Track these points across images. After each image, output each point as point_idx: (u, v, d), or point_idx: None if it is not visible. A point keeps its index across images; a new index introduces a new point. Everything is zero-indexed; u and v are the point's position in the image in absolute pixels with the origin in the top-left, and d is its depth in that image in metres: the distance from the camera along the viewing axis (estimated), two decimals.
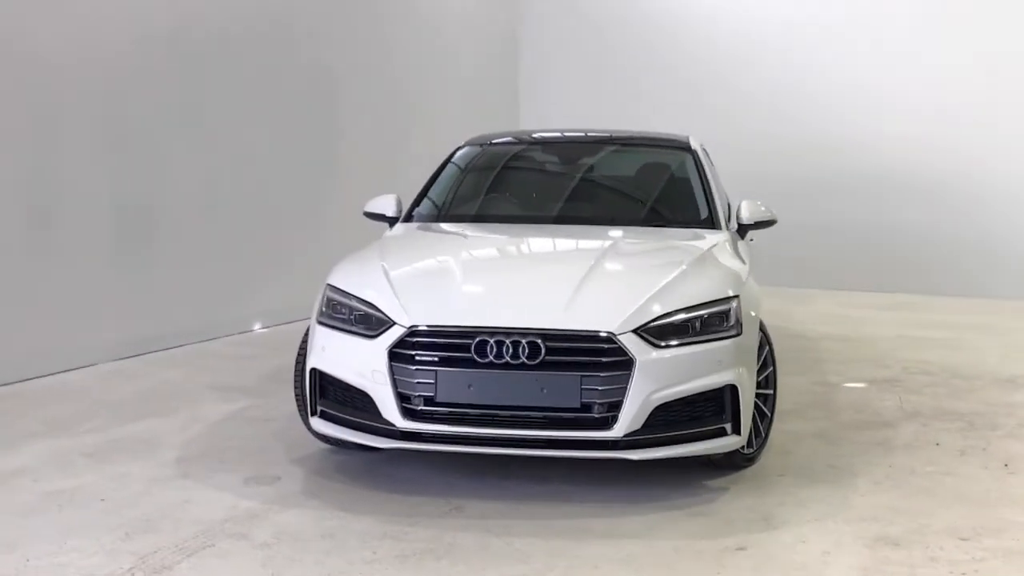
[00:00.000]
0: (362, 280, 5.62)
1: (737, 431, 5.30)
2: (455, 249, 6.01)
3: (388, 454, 5.71)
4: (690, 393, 5.17)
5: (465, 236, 6.22)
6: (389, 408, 5.18)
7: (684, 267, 5.60)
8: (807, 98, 12.75)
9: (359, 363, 5.29)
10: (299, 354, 5.86)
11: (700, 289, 5.43)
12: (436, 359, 5.15)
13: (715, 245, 6.12)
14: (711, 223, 6.61)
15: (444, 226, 6.73)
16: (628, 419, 5.05)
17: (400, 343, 5.18)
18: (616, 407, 5.05)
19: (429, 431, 5.16)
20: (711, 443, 5.25)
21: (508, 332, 5.10)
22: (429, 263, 5.88)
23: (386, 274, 5.57)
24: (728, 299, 5.41)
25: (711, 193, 6.78)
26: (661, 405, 5.10)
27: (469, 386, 5.11)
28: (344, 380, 5.35)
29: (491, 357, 5.07)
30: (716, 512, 5.14)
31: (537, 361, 5.05)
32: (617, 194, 7.17)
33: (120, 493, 5.35)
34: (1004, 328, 10.25)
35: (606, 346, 5.08)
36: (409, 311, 5.24)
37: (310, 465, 5.77)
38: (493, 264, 5.91)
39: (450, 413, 5.14)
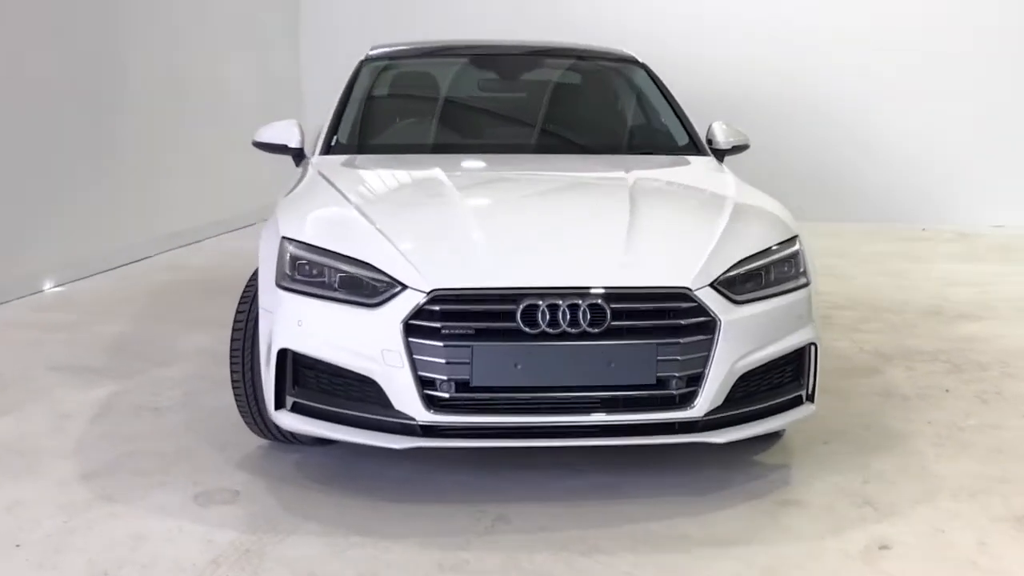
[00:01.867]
0: (337, 231, 4.37)
1: (811, 398, 4.43)
2: (445, 189, 4.80)
3: (350, 448, 4.47)
4: (774, 357, 4.25)
5: (444, 172, 5.02)
6: (406, 397, 3.99)
7: (731, 205, 4.64)
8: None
9: (358, 341, 4.06)
10: (237, 325, 4.53)
11: (762, 231, 4.50)
12: (471, 332, 3.99)
13: (726, 176, 5.19)
14: (694, 148, 5.67)
15: (395, 160, 5.48)
16: (711, 394, 4.08)
17: (419, 313, 3.98)
18: (696, 380, 4.07)
19: (463, 424, 4.01)
20: (789, 415, 4.36)
21: (563, 293, 4.00)
22: (424, 208, 4.66)
23: (371, 222, 4.33)
24: (792, 240, 4.51)
25: (683, 114, 5.83)
26: (743, 375, 4.15)
27: (516, 365, 3.99)
28: (335, 363, 4.11)
29: (544, 326, 3.97)
30: (805, 499, 4.28)
31: (601, 328, 3.99)
32: (582, 117, 6.09)
33: (34, 534, 3.93)
34: (866, 254, 9.86)
35: (684, 305, 4.07)
36: (424, 271, 4.05)
37: (265, 471, 4.49)
38: (510, 208, 4.74)
39: (491, 400, 4.01)
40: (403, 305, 4.01)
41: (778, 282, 4.33)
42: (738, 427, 4.21)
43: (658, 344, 4.03)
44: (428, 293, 4.00)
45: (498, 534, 3.95)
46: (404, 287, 4.03)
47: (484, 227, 4.34)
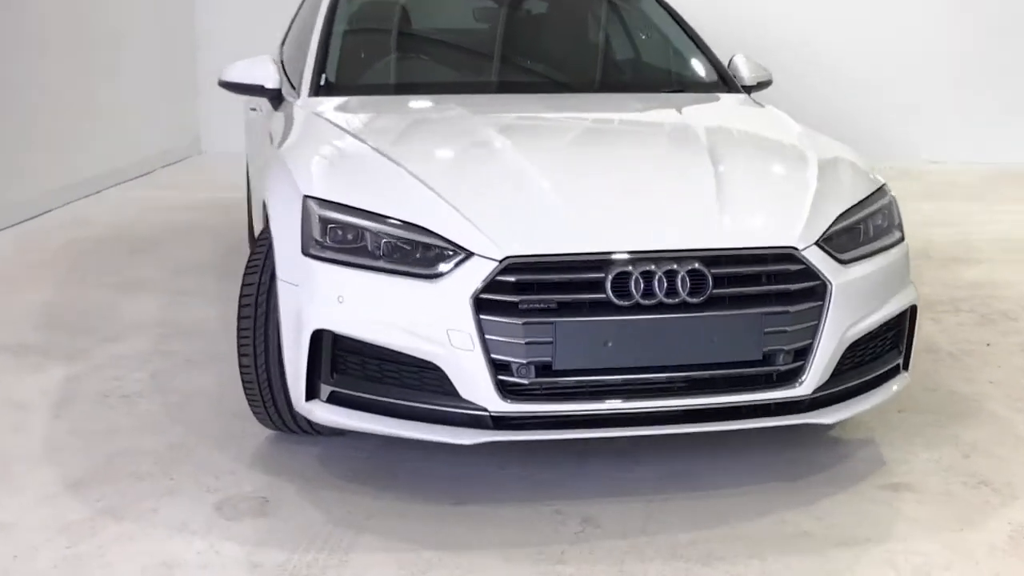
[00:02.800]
0: (375, 188, 3.70)
1: (906, 366, 3.95)
2: (489, 137, 4.13)
3: (377, 440, 3.82)
4: (881, 323, 3.75)
5: (479, 116, 4.35)
6: (476, 384, 3.39)
7: (812, 152, 4.10)
8: None
9: (418, 320, 3.43)
10: (245, 300, 3.84)
11: (852, 181, 4.00)
12: (553, 306, 3.38)
13: (782, 117, 4.66)
14: (724, 84, 5.10)
15: (407, 102, 4.80)
16: (819, 369, 3.57)
17: (490, 286, 3.35)
18: (803, 354, 3.55)
19: (542, 414, 3.42)
20: (889, 386, 3.87)
21: (656, 257, 3.43)
22: (474, 160, 4.01)
23: (417, 177, 3.67)
24: (882, 190, 4.00)
25: (704, 45, 5.25)
26: (850, 344, 3.65)
27: (606, 343, 3.40)
28: (389, 347, 3.45)
29: (638, 297, 3.38)
30: (913, 481, 3.82)
31: (702, 298, 3.42)
32: (593, 52, 5.45)
33: (33, 567, 3.22)
34: None
35: (792, 267, 3.53)
36: (495, 235, 3.42)
37: (286, 470, 3.83)
38: (576, 159, 4.09)
39: (577, 385, 3.42)
40: (471, 276, 3.38)
41: (877, 238, 3.83)
42: (844, 405, 3.70)
43: (764, 314, 3.48)
44: (501, 261, 3.38)
45: (592, 540, 3.38)
46: (469, 255, 3.41)
47: (554, 182, 3.72)
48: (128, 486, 3.71)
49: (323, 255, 3.55)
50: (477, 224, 3.46)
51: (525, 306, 3.38)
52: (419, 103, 4.78)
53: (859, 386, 3.75)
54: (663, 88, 5.11)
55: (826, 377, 3.58)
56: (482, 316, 3.36)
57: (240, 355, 3.84)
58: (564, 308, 3.41)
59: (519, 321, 3.36)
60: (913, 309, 3.87)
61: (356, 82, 4.97)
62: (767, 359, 3.52)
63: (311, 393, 3.60)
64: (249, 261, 3.91)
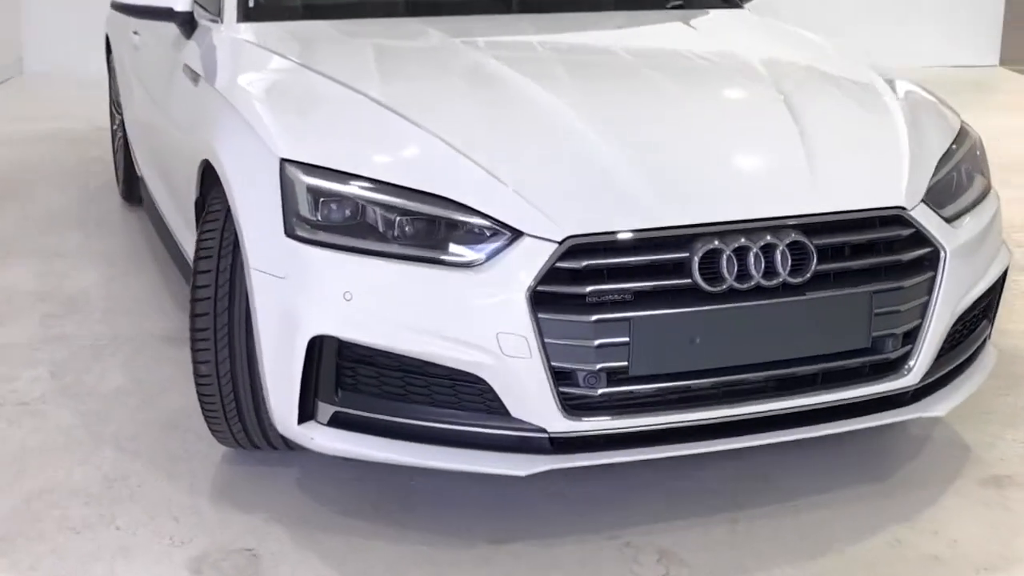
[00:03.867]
0: (382, 147, 2.88)
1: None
2: (505, 78, 3.30)
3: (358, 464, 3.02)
4: (983, 291, 3.14)
5: (477, 50, 3.52)
6: (532, 399, 2.66)
7: (886, 89, 3.42)
8: None
9: (457, 321, 2.67)
10: (201, 292, 3.00)
11: (935, 123, 3.35)
12: (628, 297, 2.65)
13: (814, 39, 3.97)
14: None
15: (371, 27, 3.93)
16: (928, 353, 2.96)
17: (550, 275, 2.59)
18: (912, 336, 2.91)
19: (616, 431, 2.71)
20: (983, 363, 3.28)
21: (751, 229, 2.73)
22: (496, 108, 3.16)
23: (434, 133, 2.86)
24: (966, 131, 3.36)
25: None
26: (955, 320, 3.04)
27: (694, 339, 2.69)
28: (416, 355, 2.67)
29: (731, 280, 2.68)
30: (1022, 475, 3.23)
31: (805, 277, 2.74)
32: None
33: None
34: None
35: (903, 232, 2.89)
36: (550, 208, 2.67)
37: (264, 505, 3.03)
38: (628, 106, 3.25)
39: (659, 393, 2.71)
40: (525, 264, 2.63)
41: (969, 189, 3.20)
42: (948, 390, 3.09)
43: (874, 292, 2.82)
44: (561, 243, 2.61)
45: None
46: (518, 235, 2.64)
47: (609, 136, 2.94)
48: (63, 544, 2.86)
49: (317, 238, 2.73)
50: (526, 195, 2.69)
51: (594, 299, 2.64)
52: (383, 29, 3.91)
53: (959, 367, 3.14)
54: (654, 4, 4.35)
55: (931, 362, 2.95)
56: (540, 315, 2.60)
57: (196, 362, 3.01)
58: (641, 299, 2.68)
59: (589, 318, 2.62)
60: (1004, 275, 3.26)
61: (290, 2, 4.06)
62: (876, 346, 2.86)
63: (306, 414, 2.79)
64: (200, 240, 3.05)
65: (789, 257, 2.73)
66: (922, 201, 2.94)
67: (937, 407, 3.02)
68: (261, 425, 3.01)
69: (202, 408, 3.07)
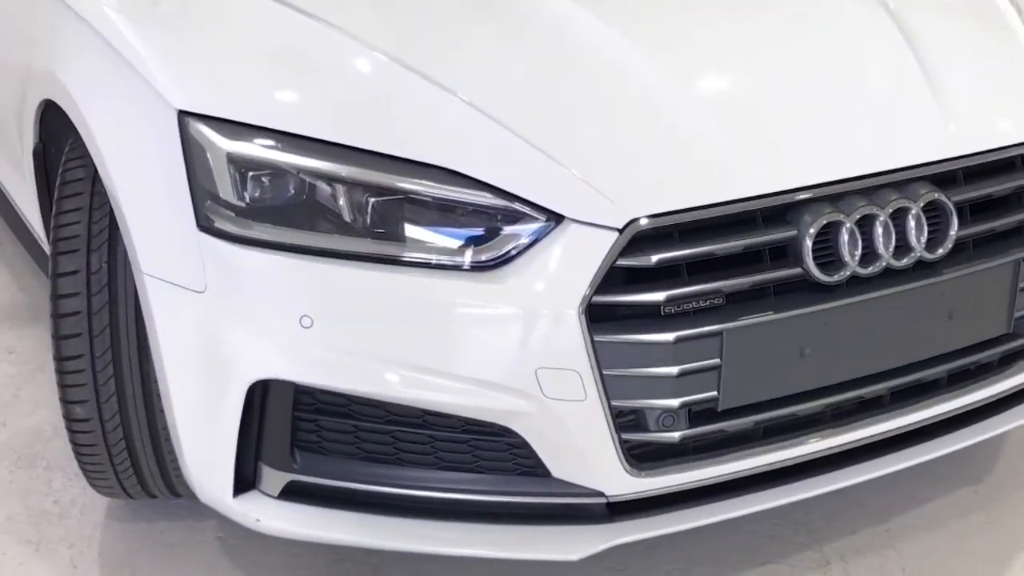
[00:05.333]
0: (349, 96, 1.92)
1: None
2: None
3: None
4: None
5: None
6: (585, 454, 1.87)
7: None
8: None
9: (465, 354, 1.79)
10: (67, 307, 2.05)
11: None
12: (718, 301, 1.82)
13: None
14: None
15: None
16: None
17: (608, 277, 1.74)
18: None
19: (702, 483, 1.91)
20: None
21: (872, 187, 1.93)
22: (521, 40, 2.10)
23: (430, 79, 1.90)
24: None
25: None
26: None
27: (803, 351, 1.89)
28: (416, 404, 1.81)
29: (854, 264, 1.87)
30: None
31: (945, 249, 1.95)
32: None
33: None
34: None
35: None
36: (603, 183, 1.80)
37: None
38: (704, 43, 2.13)
39: (756, 426, 1.91)
40: (571, 264, 1.77)
41: None
42: None
43: (1021, 259, 2.05)
44: (624, 230, 1.75)
45: None
46: (558, 221, 1.77)
47: (679, 80, 2.02)
48: None
49: (250, 234, 1.82)
50: (566, 161, 1.81)
51: (674, 308, 1.80)
52: None
53: None
54: None
55: None
56: (597, 337, 1.76)
57: (68, 402, 2.07)
58: (734, 303, 1.85)
59: (668, 337, 1.78)
60: None
61: None
62: (1017, 330, 2.11)
63: (244, 482, 1.91)
64: (57, 228, 2.09)
65: (925, 223, 1.93)
66: None
67: None
68: (165, 475, 2.13)
69: (78, 458, 2.16)
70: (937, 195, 1.95)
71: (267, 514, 1.92)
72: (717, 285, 1.83)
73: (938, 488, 2.45)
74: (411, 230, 1.81)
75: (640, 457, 1.89)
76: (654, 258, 1.79)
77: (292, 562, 2.18)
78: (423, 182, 1.80)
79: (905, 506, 2.39)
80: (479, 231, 1.80)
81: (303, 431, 1.88)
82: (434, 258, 1.80)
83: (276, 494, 1.92)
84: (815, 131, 1.98)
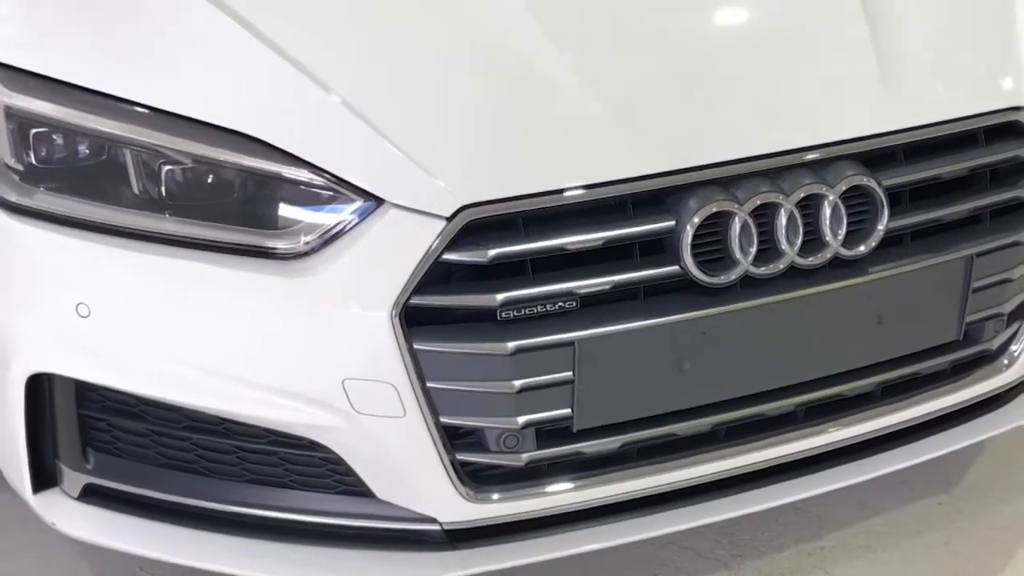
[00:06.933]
0: (150, 46, 1.63)
1: None
2: None
3: None
4: None
5: None
6: (414, 475, 1.57)
7: None
8: None
9: (263, 358, 1.51)
10: None
11: None
12: (571, 305, 1.49)
13: None
14: None
15: None
16: None
17: (432, 275, 1.43)
18: (1021, 311, 1.80)
19: (557, 510, 1.61)
20: None
21: (777, 168, 1.57)
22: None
23: (254, 32, 1.59)
24: None
25: None
26: None
27: (681, 365, 1.56)
28: (206, 411, 1.53)
29: (747, 261, 1.53)
30: None
31: (868, 245, 1.59)
32: None
33: None
34: None
35: (1018, 153, 1.73)
36: (433, 161, 1.49)
37: None
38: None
39: (623, 449, 1.60)
40: (387, 256, 1.47)
41: None
42: None
43: (976, 255, 1.69)
44: (453, 217, 1.44)
45: None
46: (375, 204, 1.47)
47: (540, 46, 1.64)
48: None
49: (26, 203, 1.55)
50: (392, 135, 1.50)
51: (512, 313, 1.49)
52: None
53: None
54: None
55: None
56: (418, 345, 1.47)
57: None
58: (592, 307, 1.53)
59: (504, 347, 1.48)
60: None
61: None
62: (968, 335, 1.76)
63: (45, 478, 1.68)
64: None
65: (844, 214, 1.59)
66: None
67: None
68: None
69: None
70: (865, 179, 1.60)
71: (63, 515, 1.69)
72: (568, 286, 1.51)
73: (894, 497, 2.13)
74: (208, 209, 1.53)
75: (487, 480, 1.60)
76: (490, 253, 1.49)
77: None
78: (230, 153, 1.51)
79: (850, 518, 2.08)
80: (287, 213, 1.52)
81: (95, 430, 1.64)
82: (231, 241, 1.51)
83: (76, 495, 1.69)
84: (712, 101, 1.63)
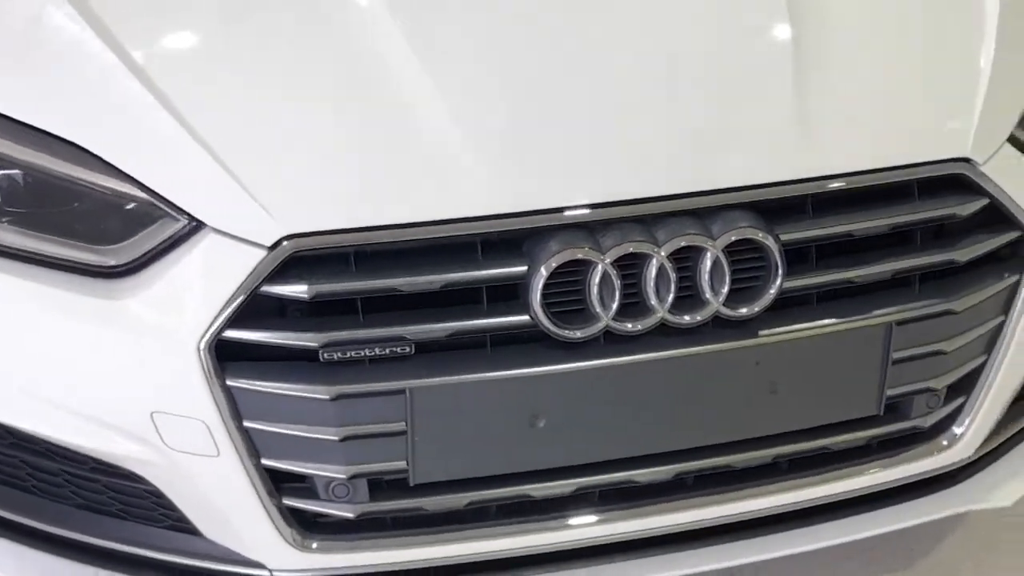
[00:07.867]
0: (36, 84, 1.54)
1: None
2: None
3: None
4: None
5: None
6: (237, 518, 1.46)
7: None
8: None
9: (70, 381, 1.43)
10: None
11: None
12: (405, 350, 1.36)
13: None
14: None
15: None
16: (992, 411, 1.64)
17: (251, 308, 1.32)
18: (963, 387, 1.58)
19: (402, 565, 1.50)
20: None
21: (654, 215, 1.41)
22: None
23: (138, 73, 1.48)
24: None
25: None
26: None
27: (535, 420, 1.41)
28: (21, 431, 1.46)
29: (607, 316, 1.37)
30: None
31: (756, 306, 1.41)
32: None
33: None
34: None
35: (969, 206, 1.53)
36: (260, 187, 1.39)
37: None
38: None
39: (472, 506, 1.47)
40: (201, 285, 1.37)
41: None
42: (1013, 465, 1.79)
43: (896, 323, 1.49)
44: (275, 247, 1.33)
45: None
46: (195, 228, 1.36)
47: (411, 68, 1.50)
48: None
49: None
50: (223, 155, 1.39)
51: (337, 354, 1.37)
52: None
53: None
54: None
55: (991, 423, 1.66)
56: (232, 381, 1.36)
57: None
58: (429, 354, 1.40)
59: (325, 391, 1.36)
60: None
61: None
62: (893, 409, 1.57)
63: None
64: None
65: (727, 269, 1.42)
66: (1008, 142, 1.57)
67: (1003, 495, 1.73)
68: None
69: None
70: (756, 233, 1.42)
71: None
72: (398, 330, 1.38)
73: (842, 570, 1.94)
74: (22, 216, 1.45)
75: (322, 528, 1.49)
76: (311, 288, 1.37)
77: None
78: (48, 160, 1.43)
79: None
80: (102, 229, 1.43)
81: None
82: (45, 252, 1.43)
83: None
84: (587, 137, 1.46)
